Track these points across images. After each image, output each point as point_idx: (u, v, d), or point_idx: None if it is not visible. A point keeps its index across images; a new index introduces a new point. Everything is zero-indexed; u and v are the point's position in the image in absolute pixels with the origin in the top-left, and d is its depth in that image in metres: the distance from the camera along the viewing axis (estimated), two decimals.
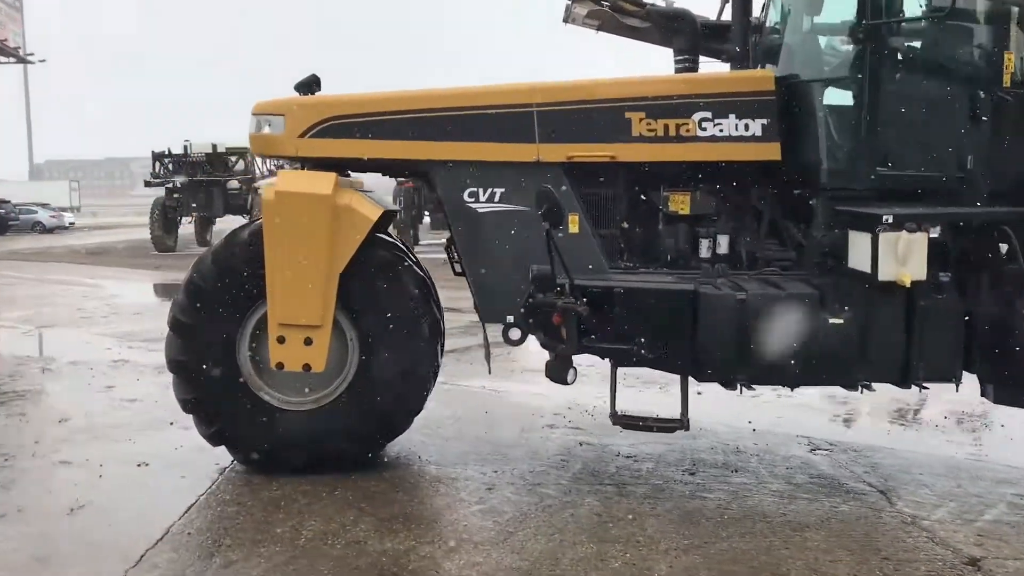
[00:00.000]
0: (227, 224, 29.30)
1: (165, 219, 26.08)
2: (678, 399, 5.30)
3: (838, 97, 5.47)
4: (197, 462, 5.79)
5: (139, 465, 5.78)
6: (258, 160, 27.42)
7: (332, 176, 5.32)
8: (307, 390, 5.55)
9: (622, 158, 5.43)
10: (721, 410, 7.11)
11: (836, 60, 5.55)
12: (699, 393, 7.80)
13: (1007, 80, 5.26)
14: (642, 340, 5.05)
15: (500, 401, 7.57)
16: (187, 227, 28.10)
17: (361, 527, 4.67)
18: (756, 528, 4.68)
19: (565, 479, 5.48)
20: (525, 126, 5.42)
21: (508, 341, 5.63)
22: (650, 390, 7.73)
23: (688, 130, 5.44)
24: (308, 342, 5.32)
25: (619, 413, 5.18)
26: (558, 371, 4.98)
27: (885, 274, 4.84)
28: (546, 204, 4.71)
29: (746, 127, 5.46)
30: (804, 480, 5.51)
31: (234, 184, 26.15)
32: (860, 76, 5.26)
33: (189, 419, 6.64)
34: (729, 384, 5.10)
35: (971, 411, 7.19)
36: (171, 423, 6.78)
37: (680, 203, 5.65)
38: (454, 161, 5.43)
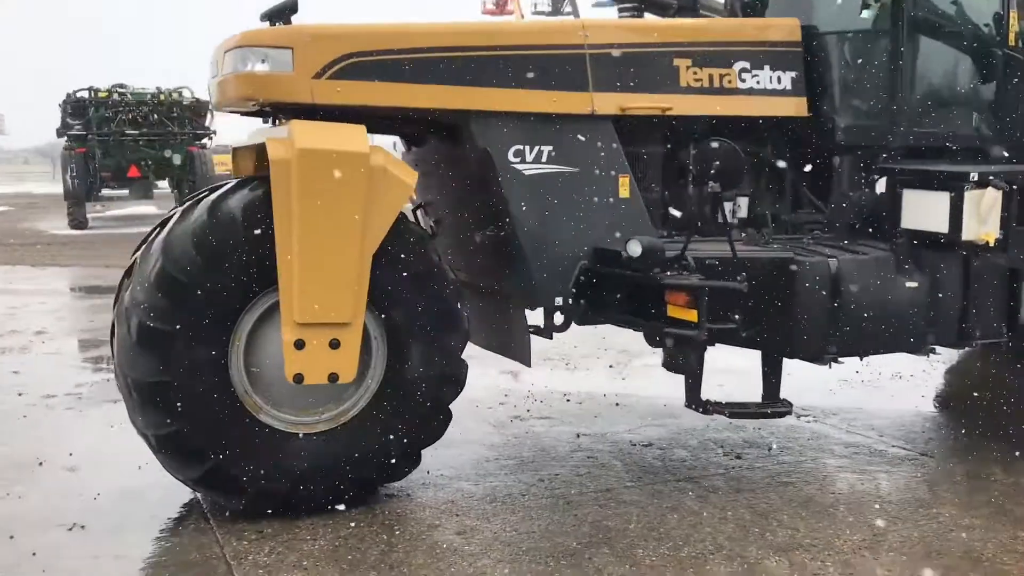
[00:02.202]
0: None
1: None
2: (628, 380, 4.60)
3: (864, 51, 5.24)
4: (145, 515, 4.35)
5: (71, 529, 4.18)
6: None
7: (362, 129, 4.13)
8: (319, 407, 4.32)
9: (677, 111, 4.79)
10: (637, 384, 6.76)
11: (857, 12, 5.28)
12: (587, 370, 7.45)
13: (1012, 39, 5.35)
14: (737, 316, 4.47)
15: None
16: None
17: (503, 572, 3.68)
18: (902, 514, 4.31)
19: (628, 481, 4.78)
20: (576, 71, 4.58)
21: (552, 328, 4.81)
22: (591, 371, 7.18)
23: (730, 81, 4.94)
24: (335, 345, 4.12)
25: (709, 401, 4.56)
26: (684, 360, 4.27)
27: (969, 233, 4.70)
28: (718, 161, 3.96)
29: (778, 80, 5.06)
30: (846, 452, 5.27)
31: None
32: (894, 30, 5.09)
33: (61, 455, 5.11)
34: (819, 359, 4.68)
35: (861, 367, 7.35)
36: (40, 463, 5.09)
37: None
38: (497, 113, 4.45)
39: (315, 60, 4.14)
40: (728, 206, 5.21)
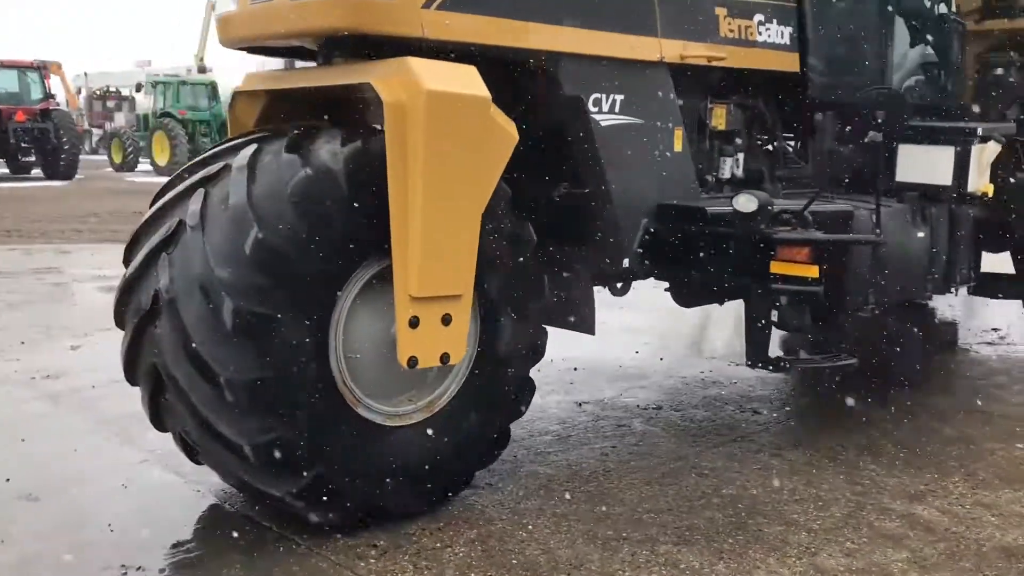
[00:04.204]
0: None
1: None
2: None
3: (843, 10, 5.39)
4: (197, 543, 3.58)
5: (125, 574, 3.28)
6: None
7: (474, 70, 3.55)
8: (407, 394, 3.73)
9: (731, 63, 4.64)
10: (572, 348, 6.44)
11: None
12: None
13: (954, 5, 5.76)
14: None
15: None
16: None
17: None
18: (959, 453, 4.50)
19: (687, 446, 4.60)
20: (646, 13, 4.27)
21: (615, 292, 4.51)
22: None
23: (752, 34, 4.87)
24: (447, 321, 3.55)
25: (781, 357, 4.48)
26: (799, 318, 4.13)
27: (972, 185, 5.01)
28: (891, 110, 3.81)
29: (781, 35, 5.08)
30: (841, 399, 5.46)
31: None
32: None
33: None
34: (860, 309, 4.78)
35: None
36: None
37: (719, 117, 5.05)
38: (585, 56, 4.04)
39: None
40: (729, 162, 5.18)
